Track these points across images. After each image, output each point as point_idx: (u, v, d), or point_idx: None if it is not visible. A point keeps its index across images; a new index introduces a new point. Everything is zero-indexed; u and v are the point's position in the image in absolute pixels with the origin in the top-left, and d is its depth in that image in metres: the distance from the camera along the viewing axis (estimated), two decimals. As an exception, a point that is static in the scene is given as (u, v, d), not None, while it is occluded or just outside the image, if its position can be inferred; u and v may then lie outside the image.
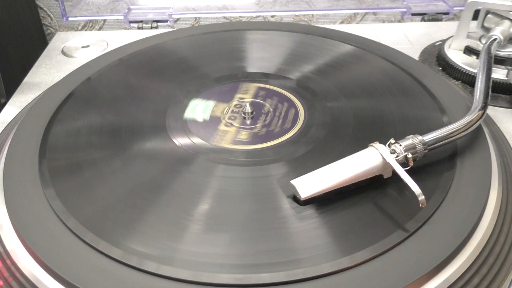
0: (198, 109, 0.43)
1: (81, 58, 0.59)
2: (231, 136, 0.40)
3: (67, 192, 0.34)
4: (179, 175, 0.36)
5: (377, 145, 0.33)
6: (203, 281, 0.28)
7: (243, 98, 0.45)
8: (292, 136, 0.40)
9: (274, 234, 0.31)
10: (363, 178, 0.33)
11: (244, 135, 0.40)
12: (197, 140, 0.40)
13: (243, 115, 0.42)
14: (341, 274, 0.28)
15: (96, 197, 0.34)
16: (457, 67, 0.52)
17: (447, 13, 0.69)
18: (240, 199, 0.34)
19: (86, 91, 0.46)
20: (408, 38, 0.62)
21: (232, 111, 0.43)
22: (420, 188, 0.30)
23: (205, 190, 0.34)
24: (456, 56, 0.54)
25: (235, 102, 0.44)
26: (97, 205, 0.33)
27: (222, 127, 0.41)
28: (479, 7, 0.52)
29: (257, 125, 0.42)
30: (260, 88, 0.47)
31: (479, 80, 0.42)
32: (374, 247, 0.29)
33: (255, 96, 0.45)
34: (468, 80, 0.51)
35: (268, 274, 0.28)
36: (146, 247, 0.30)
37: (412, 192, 0.30)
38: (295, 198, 0.33)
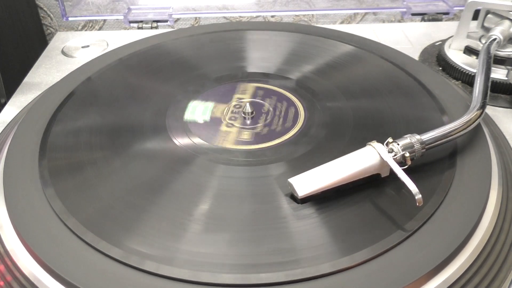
0: (198, 110, 0.43)
1: (81, 58, 0.59)
2: (233, 137, 0.40)
3: (67, 192, 0.34)
4: (179, 175, 0.36)
5: (375, 144, 0.33)
6: (203, 281, 0.28)
7: (242, 98, 0.45)
8: (292, 136, 0.40)
9: (273, 234, 0.31)
10: (361, 177, 0.33)
11: (244, 135, 0.40)
12: (197, 140, 0.40)
13: (243, 115, 0.42)
14: (340, 274, 0.28)
15: (96, 197, 0.34)
16: (457, 67, 0.52)
17: (447, 13, 0.69)
18: (240, 199, 0.34)
19: (86, 91, 0.46)
20: (408, 38, 0.62)
21: (232, 112, 0.43)
22: (418, 187, 0.30)
23: (205, 190, 0.34)
24: (456, 56, 0.54)
25: (234, 103, 0.45)
26: (97, 205, 0.33)
27: (223, 128, 0.41)
28: (479, 7, 0.52)
29: (258, 125, 0.42)
30: (259, 88, 0.47)
31: (478, 79, 0.42)
32: (374, 247, 0.29)
33: (254, 96, 0.45)
34: (468, 80, 0.51)
35: (267, 274, 0.28)
36: (146, 247, 0.30)
37: (409, 191, 0.30)
38: (293, 197, 0.33)
